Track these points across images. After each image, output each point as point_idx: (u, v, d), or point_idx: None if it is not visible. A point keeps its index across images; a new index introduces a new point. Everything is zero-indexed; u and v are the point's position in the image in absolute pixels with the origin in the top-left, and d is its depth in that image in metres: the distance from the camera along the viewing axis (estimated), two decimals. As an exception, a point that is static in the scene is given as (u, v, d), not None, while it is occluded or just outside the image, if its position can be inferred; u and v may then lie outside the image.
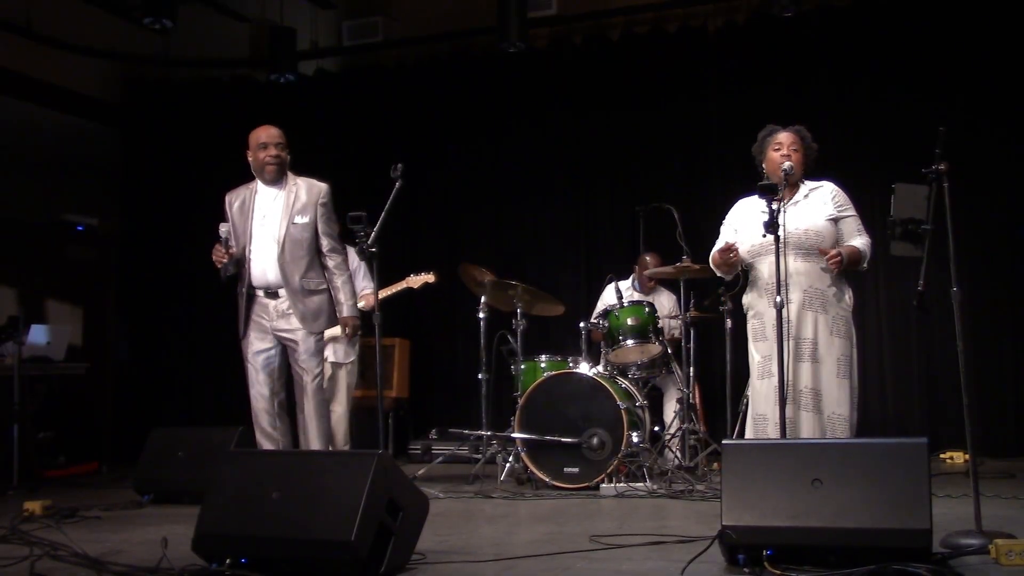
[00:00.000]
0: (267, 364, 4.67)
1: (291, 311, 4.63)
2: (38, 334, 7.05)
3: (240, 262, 4.70)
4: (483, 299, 5.97)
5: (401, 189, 4.66)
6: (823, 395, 4.29)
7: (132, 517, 4.66)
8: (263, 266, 4.68)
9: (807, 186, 4.52)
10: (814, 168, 4.60)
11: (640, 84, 7.59)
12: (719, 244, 4.64)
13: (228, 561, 2.98)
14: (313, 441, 4.64)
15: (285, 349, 4.71)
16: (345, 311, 4.78)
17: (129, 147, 8.74)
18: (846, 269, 4.38)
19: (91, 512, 4.70)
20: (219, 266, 4.66)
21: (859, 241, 4.43)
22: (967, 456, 4.25)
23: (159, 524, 4.29)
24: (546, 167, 7.81)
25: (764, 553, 2.86)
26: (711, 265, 4.72)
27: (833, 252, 4.27)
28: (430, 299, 7.99)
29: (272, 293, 4.67)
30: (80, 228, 9.43)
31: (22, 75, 7.60)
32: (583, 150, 7.72)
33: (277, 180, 4.74)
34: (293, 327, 4.63)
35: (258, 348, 4.67)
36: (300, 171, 4.89)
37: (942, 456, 6.25)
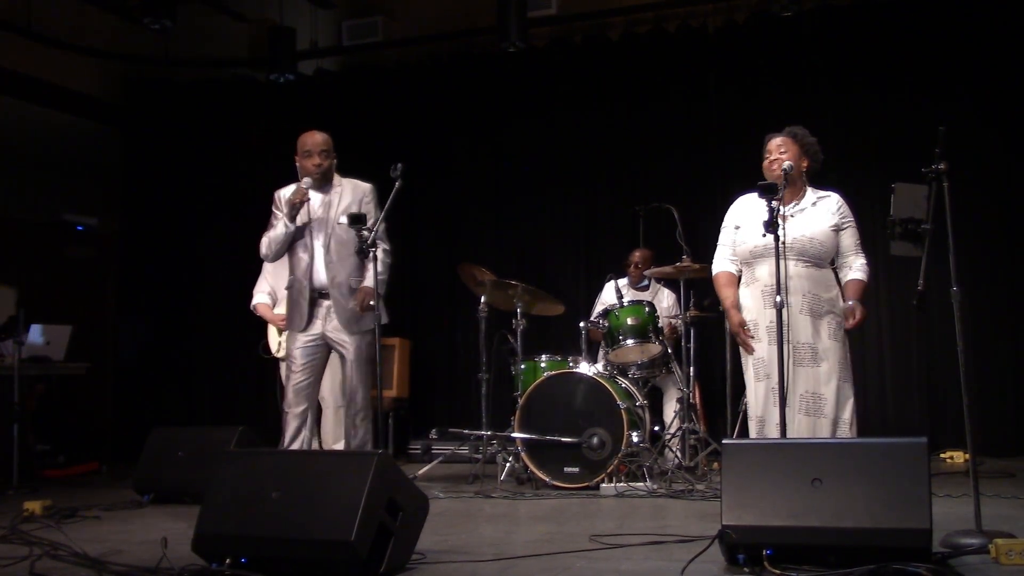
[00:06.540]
0: (311, 359, 4.75)
1: (336, 311, 4.68)
2: (38, 334, 7.04)
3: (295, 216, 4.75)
4: (483, 299, 5.96)
5: (401, 189, 4.66)
6: (828, 399, 4.29)
7: (132, 517, 4.65)
8: (314, 267, 4.77)
9: (815, 194, 4.49)
10: (820, 169, 4.59)
11: (640, 84, 7.60)
12: (722, 250, 4.62)
13: (228, 561, 2.98)
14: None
15: (329, 351, 4.80)
16: (365, 282, 4.71)
17: (129, 147, 8.74)
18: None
19: (91, 512, 4.70)
20: (296, 201, 4.70)
21: (858, 264, 4.43)
22: (967, 456, 4.24)
23: (159, 524, 4.29)
24: (546, 167, 7.81)
25: (764, 553, 2.86)
26: (715, 282, 4.67)
27: (856, 318, 4.29)
28: (430, 299, 8.03)
29: (323, 294, 4.73)
30: (80, 228, 9.42)
31: (22, 75, 7.61)
32: (583, 150, 7.72)
33: (322, 186, 4.83)
34: (343, 333, 4.71)
35: (303, 343, 4.74)
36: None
37: (942, 456, 6.26)
